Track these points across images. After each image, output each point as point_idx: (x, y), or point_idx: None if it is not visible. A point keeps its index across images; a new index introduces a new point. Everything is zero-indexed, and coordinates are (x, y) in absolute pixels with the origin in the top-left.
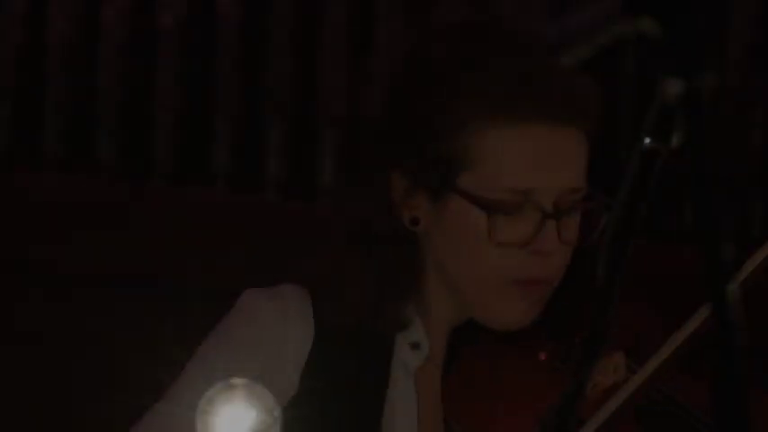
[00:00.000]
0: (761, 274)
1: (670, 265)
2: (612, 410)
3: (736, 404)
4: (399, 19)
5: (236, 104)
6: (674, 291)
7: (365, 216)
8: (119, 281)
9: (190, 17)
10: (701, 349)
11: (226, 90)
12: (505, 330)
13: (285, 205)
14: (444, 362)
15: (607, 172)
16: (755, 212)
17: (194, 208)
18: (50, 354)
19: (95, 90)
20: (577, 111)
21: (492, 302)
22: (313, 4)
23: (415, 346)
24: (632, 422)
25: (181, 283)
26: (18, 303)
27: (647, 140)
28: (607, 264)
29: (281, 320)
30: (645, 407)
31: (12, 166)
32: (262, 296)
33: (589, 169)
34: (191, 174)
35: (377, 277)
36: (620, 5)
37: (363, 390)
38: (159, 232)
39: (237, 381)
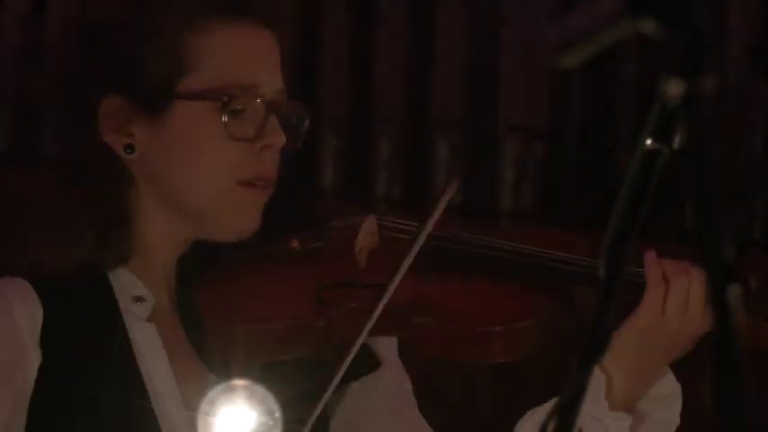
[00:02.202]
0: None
1: None
2: (407, 265)
3: (737, 405)
4: (401, 19)
5: None
6: None
7: (79, 156)
8: None
9: None
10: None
11: None
12: (236, 238)
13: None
14: (180, 298)
15: (607, 172)
16: (756, 213)
17: None
18: None
19: None
20: (276, 15)
21: (221, 210)
22: (314, 5)
23: (139, 299)
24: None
25: None
26: None
27: (648, 141)
28: (608, 265)
29: (5, 314)
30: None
31: (11, 166)
32: None
33: None
34: None
35: (93, 217)
36: (621, 6)
37: (107, 350)
38: None
39: (238, 382)
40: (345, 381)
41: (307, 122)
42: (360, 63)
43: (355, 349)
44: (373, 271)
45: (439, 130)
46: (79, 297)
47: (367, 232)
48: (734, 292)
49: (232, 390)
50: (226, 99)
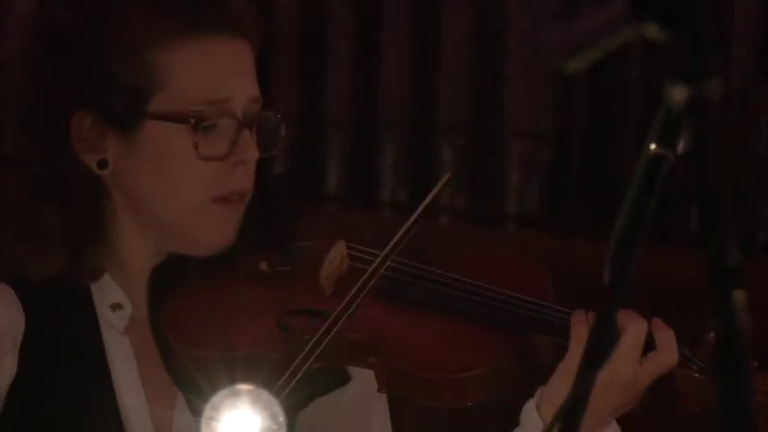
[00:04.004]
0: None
1: (676, 268)
2: (359, 292)
3: (742, 409)
4: (405, 23)
5: None
6: (679, 294)
7: (50, 170)
8: None
9: None
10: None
11: None
12: (210, 254)
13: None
14: (150, 309)
15: (613, 176)
16: (761, 216)
17: None
18: None
19: None
20: (248, 22)
21: (196, 226)
22: (319, 8)
23: (116, 306)
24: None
25: None
26: None
27: (654, 146)
28: (613, 269)
29: None
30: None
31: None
32: None
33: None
34: None
35: (67, 230)
36: (626, 11)
37: (82, 356)
38: None
39: (243, 387)
40: (310, 397)
41: (283, 130)
42: (365, 67)
43: (294, 379)
44: (339, 299)
45: (444, 133)
46: (59, 306)
47: (335, 258)
48: (738, 295)
49: (236, 394)
50: (193, 121)
